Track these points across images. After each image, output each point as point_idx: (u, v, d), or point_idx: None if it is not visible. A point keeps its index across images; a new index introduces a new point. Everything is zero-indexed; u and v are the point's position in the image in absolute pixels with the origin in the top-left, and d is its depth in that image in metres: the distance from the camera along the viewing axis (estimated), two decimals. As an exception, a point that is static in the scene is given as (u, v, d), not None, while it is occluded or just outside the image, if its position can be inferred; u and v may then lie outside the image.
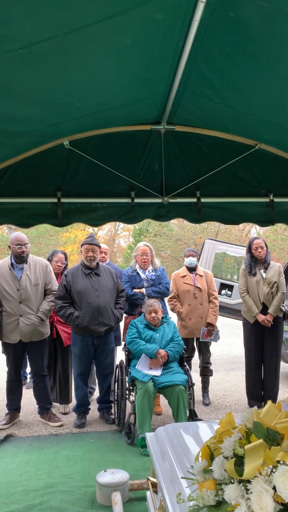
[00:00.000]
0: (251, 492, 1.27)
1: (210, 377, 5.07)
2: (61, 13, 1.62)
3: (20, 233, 4.33)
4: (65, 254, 5.00)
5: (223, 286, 8.26)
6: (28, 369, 5.14)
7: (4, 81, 2.05)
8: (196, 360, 5.07)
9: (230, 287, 8.19)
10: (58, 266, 4.79)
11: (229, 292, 8.14)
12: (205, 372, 4.97)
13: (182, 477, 1.71)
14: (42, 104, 2.53)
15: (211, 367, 5.00)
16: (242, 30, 2.10)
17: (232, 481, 1.36)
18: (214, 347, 6.05)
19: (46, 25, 1.68)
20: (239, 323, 5.01)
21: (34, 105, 2.49)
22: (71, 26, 1.73)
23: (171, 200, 3.62)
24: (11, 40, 1.68)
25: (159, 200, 3.62)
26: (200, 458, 1.58)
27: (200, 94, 2.90)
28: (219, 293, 7.83)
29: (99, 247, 4.40)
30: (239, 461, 1.39)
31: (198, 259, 5.27)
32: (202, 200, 3.67)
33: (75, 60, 2.08)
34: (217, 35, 2.20)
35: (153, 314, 4.21)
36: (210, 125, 3.51)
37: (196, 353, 5.02)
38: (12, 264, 4.24)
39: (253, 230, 26.27)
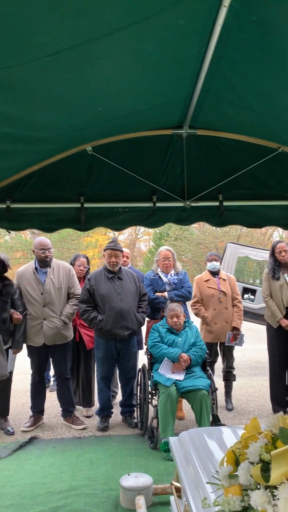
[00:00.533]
0: (277, 498, 1.25)
1: (233, 382, 5.02)
2: (85, 22, 1.66)
3: (43, 238, 4.40)
4: (87, 258, 5.05)
5: (245, 290, 8.19)
6: (52, 372, 5.21)
7: (30, 89, 2.09)
8: (219, 365, 5.03)
9: (253, 292, 8.11)
10: (81, 270, 4.84)
11: (252, 297, 8.07)
12: (228, 377, 4.92)
13: (207, 482, 1.70)
14: (66, 111, 2.57)
15: (234, 372, 4.95)
16: (265, 34, 2.09)
17: (259, 487, 1.34)
18: (237, 352, 5.98)
19: (70, 34, 1.71)
20: (262, 328, 4.95)
21: (58, 111, 2.53)
22: (95, 34, 1.76)
23: (193, 204, 3.62)
24: (36, 48, 1.72)
25: (181, 204, 3.62)
26: (225, 463, 1.57)
27: (222, 98, 2.89)
28: (242, 297, 7.76)
29: (122, 252, 4.43)
30: (265, 467, 1.38)
31: (220, 263, 5.24)
32: (225, 203, 3.66)
33: (98, 67, 2.11)
34: (240, 39, 2.19)
35: (175, 319, 4.20)
36: (232, 129, 3.50)
37: (219, 358, 4.98)
38: (36, 268, 4.31)
39: (276, 233, 25.92)
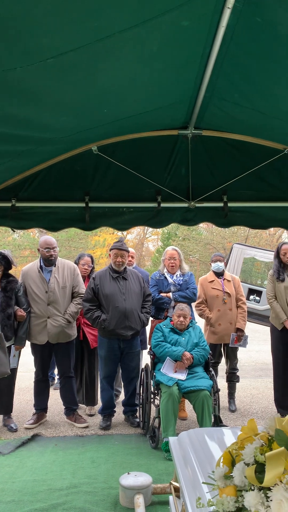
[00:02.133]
0: (271, 500, 1.26)
1: (237, 384, 5.01)
2: (89, 23, 1.67)
3: (49, 237, 4.43)
4: (91, 257, 5.06)
5: (251, 291, 8.16)
6: (56, 371, 5.24)
7: (35, 91, 2.11)
8: (222, 366, 5.03)
9: (259, 293, 8.09)
10: (85, 269, 4.86)
11: (257, 298, 8.04)
12: (232, 378, 4.91)
13: (203, 482, 1.71)
14: (71, 112, 2.59)
15: (238, 373, 4.94)
16: (270, 34, 2.09)
17: (253, 488, 1.35)
18: (241, 353, 5.97)
19: (74, 35, 1.72)
20: (268, 329, 4.94)
21: (64, 112, 2.55)
22: (99, 35, 1.77)
23: (197, 205, 3.62)
24: (41, 50, 1.74)
25: (185, 205, 3.63)
26: (221, 464, 1.58)
27: (228, 98, 2.89)
28: (247, 298, 7.75)
29: (128, 252, 4.44)
30: (260, 468, 1.38)
31: (226, 264, 5.23)
32: (229, 204, 3.66)
33: (102, 68, 2.12)
34: (244, 40, 2.19)
35: (182, 319, 4.21)
36: (238, 129, 3.50)
37: (223, 359, 4.98)
38: (41, 267, 4.34)
39: (285, 234, 25.77)
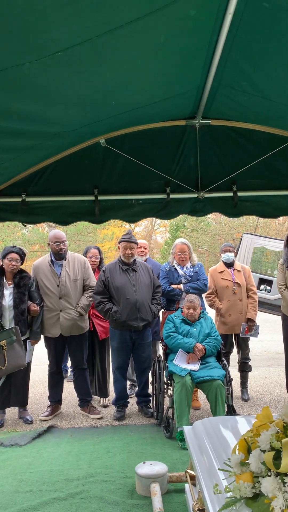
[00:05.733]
0: (288, 485, 1.27)
1: (249, 373, 5.02)
2: (95, 16, 1.66)
3: (58, 231, 4.45)
4: (98, 249, 5.08)
5: (262, 281, 8.14)
6: (69, 363, 5.29)
7: (43, 85, 2.12)
8: (234, 355, 5.04)
9: (269, 282, 8.06)
10: (93, 261, 4.88)
11: (268, 287, 8.01)
12: (244, 367, 4.93)
13: (219, 469, 1.73)
14: (79, 105, 2.59)
15: (250, 363, 4.95)
16: (278, 20, 2.06)
17: (269, 474, 1.36)
18: (253, 343, 5.98)
19: (81, 29, 1.72)
20: (279, 319, 4.93)
21: (71, 106, 2.55)
22: (105, 27, 1.76)
23: (207, 195, 3.61)
24: (48, 45, 1.74)
25: (194, 195, 3.62)
26: (237, 451, 1.59)
27: (236, 86, 2.87)
28: (258, 288, 7.73)
29: (137, 244, 4.45)
30: (276, 455, 1.40)
31: (236, 254, 5.21)
32: (239, 194, 3.64)
33: (109, 60, 2.12)
34: (252, 27, 2.17)
35: (191, 310, 4.22)
36: (246, 118, 3.47)
37: (235, 349, 4.99)
38: (52, 261, 4.37)
39: (294, 223, 25.56)
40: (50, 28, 1.62)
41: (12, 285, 4.13)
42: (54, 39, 1.71)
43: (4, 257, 4.13)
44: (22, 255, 4.19)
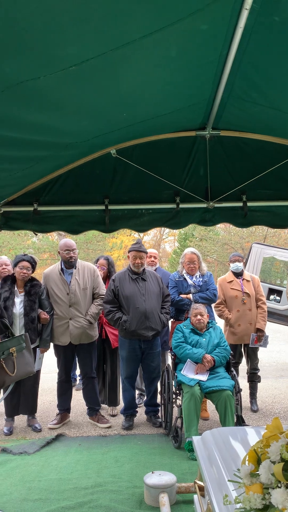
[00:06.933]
0: (298, 497, 1.27)
1: (259, 384, 4.98)
2: (109, 31, 1.71)
3: (68, 239, 4.49)
4: (107, 259, 5.04)
5: (271, 291, 8.09)
6: (78, 371, 5.30)
7: (57, 98, 2.17)
8: (243, 366, 5.01)
9: (279, 293, 8.01)
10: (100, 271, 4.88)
11: (278, 298, 7.96)
12: (253, 378, 4.89)
13: (229, 480, 1.72)
14: (91, 117, 2.64)
15: (259, 373, 4.92)
16: (288, 33, 2.09)
17: (279, 485, 1.36)
18: (262, 354, 5.93)
19: (95, 43, 1.77)
20: (288, 329, 4.90)
21: (84, 117, 2.60)
22: (118, 42, 1.81)
23: (216, 205, 3.64)
24: (64, 59, 1.79)
25: (204, 205, 3.65)
26: (246, 462, 1.59)
27: (246, 98, 2.90)
28: (268, 298, 7.68)
29: (146, 253, 4.46)
30: (287, 466, 1.39)
31: (245, 264, 5.20)
32: (249, 204, 3.66)
33: (122, 74, 2.17)
34: (262, 40, 2.20)
35: (199, 317, 4.20)
36: (256, 129, 3.50)
37: (244, 359, 4.96)
38: (62, 269, 4.41)
39: (304, 233, 25.42)
40: (65, 43, 1.67)
41: (23, 293, 4.17)
42: (69, 53, 1.75)
43: (15, 265, 4.18)
44: (33, 264, 4.23)
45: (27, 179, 3.49)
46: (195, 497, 2.52)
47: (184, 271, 4.70)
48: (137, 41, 1.82)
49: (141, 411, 4.62)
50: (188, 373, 3.97)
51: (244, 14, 1.96)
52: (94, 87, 2.19)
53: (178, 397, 4.06)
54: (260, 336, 4.73)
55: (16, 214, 3.67)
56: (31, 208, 3.61)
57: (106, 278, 4.92)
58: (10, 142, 2.50)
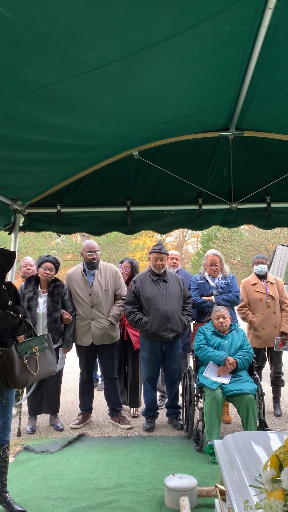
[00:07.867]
0: None
1: (282, 388, 4.89)
2: (131, 34, 1.72)
3: (91, 241, 4.52)
4: (131, 262, 5.03)
5: (296, 294, 7.92)
6: (99, 372, 5.33)
7: (80, 101, 2.19)
8: (267, 370, 4.93)
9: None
10: (123, 272, 4.90)
11: (302, 300, 7.79)
12: (277, 382, 4.81)
13: (250, 485, 1.70)
14: (114, 119, 2.66)
15: (282, 378, 4.83)
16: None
17: (302, 492, 1.33)
18: (286, 357, 5.82)
19: (117, 46, 1.78)
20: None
21: (107, 120, 2.62)
22: (141, 45, 1.82)
23: (239, 206, 3.60)
24: (86, 63, 1.81)
25: (227, 206, 3.61)
26: (268, 468, 1.56)
27: (270, 98, 2.86)
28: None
29: (167, 255, 4.45)
30: (310, 473, 1.36)
31: (269, 266, 5.12)
32: (273, 205, 3.60)
33: (144, 76, 2.17)
34: (287, 39, 2.17)
35: (221, 320, 4.16)
36: (280, 129, 3.45)
37: (267, 363, 4.88)
38: (84, 270, 4.45)
39: None
40: (87, 47, 1.69)
41: (46, 294, 4.23)
42: (91, 57, 1.77)
43: (39, 266, 4.24)
44: (56, 264, 4.29)
45: (51, 181, 3.54)
46: (216, 501, 2.49)
47: (206, 273, 4.67)
48: (160, 43, 1.83)
49: (162, 413, 4.61)
50: (210, 375, 3.93)
51: (268, 13, 1.93)
52: (116, 90, 2.20)
53: (200, 399, 4.03)
54: (285, 340, 4.64)
55: (40, 216, 3.72)
56: (55, 210, 3.66)
57: (129, 280, 4.93)
58: (34, 144, 2.55)
